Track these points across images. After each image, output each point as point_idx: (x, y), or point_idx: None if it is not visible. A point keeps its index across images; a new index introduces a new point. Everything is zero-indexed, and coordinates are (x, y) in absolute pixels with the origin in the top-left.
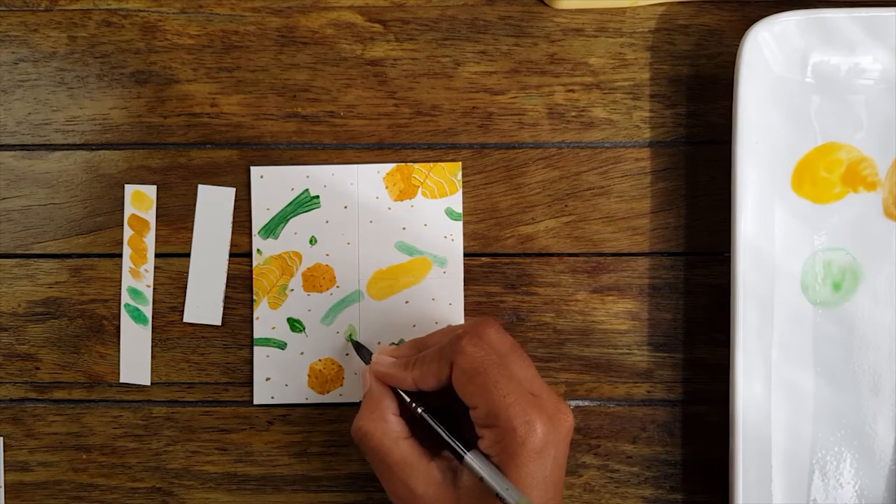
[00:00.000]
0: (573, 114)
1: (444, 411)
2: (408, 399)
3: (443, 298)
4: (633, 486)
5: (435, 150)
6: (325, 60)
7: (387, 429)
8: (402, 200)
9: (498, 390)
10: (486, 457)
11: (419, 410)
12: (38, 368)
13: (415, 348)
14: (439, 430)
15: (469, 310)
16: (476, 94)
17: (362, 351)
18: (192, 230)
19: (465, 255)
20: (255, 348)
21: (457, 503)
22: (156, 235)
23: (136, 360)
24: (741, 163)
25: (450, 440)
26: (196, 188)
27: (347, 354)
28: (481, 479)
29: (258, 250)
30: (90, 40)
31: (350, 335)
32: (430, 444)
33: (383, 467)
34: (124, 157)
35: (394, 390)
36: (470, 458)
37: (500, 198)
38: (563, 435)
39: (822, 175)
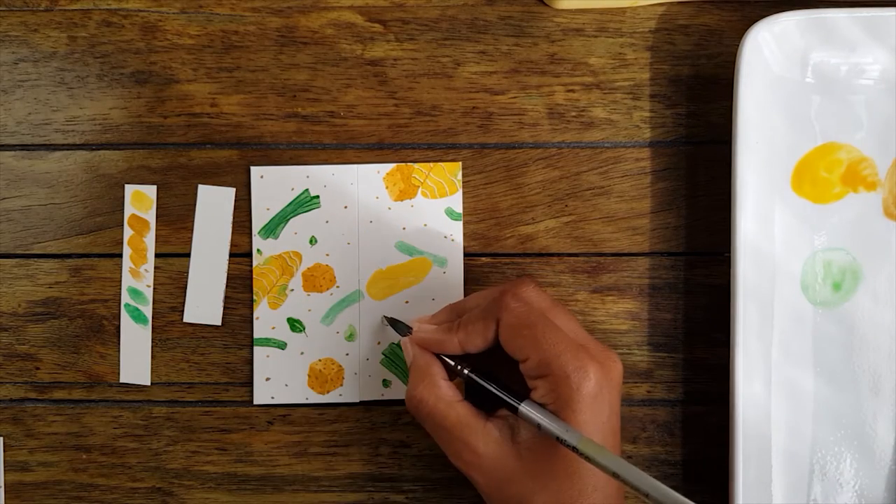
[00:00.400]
0: (573, 114)
1: (489, 374)
2: (453, 363)
3: (443, 298)
4: None
5: (435, 150)
6: (325, 60)
7: (440, 394)
8: (402, 200)
9: (547, 340)
10: (541, 406)
11: (466, 371)
12: (38, 368)
13: (453, 313)
14: (490, 386)
15: None
16: (476, 94)
17: (398, 325)
18: (192, 230)
19: (465, 255)
20: (255, 348)
21: (517, 457)
22: (156, 235)
23: (136, 360)
24: (741, 163)
25: (502, 394)
26: (196, 188)
27: (347, 354)
28: (539, 426)
29: (258, 250)
30: (90, 40)
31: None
32: (482, 406)
33: (442, 432)
34: (124, 157)
35: (438, 357)
36: (525, 407)
37: (500, 198)
38: (615, 381)
39: (822, 175)
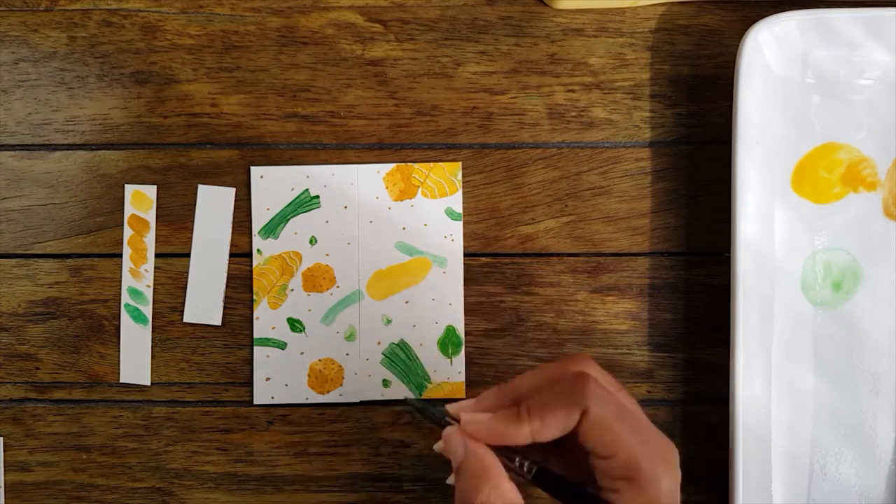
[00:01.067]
0: (573, 114)
1: (556, 474)
2: (517, 460)
3: (443, 298)
4: None
5: (435, 150)
6: (325, 60)
7: (507, 500)
8: (402, 200)
9: (635, 437)
10: None
11: (533, 470)
12: (38, 368)
13: (503, 398)
14: (566, 493)
15: (469, 310)
16: (476, 94)
17: (430, 410)
18: (192, 230)
19: (465, 255)
20: (255, 348)
21: None
22: (156, 235)
23: (136, 360)
24: (741, 163)
25: None
26: (196, 188)
27: (347, 354)
28: None
29: (258, 250)
30: (90, 40)
31: (406, 398)
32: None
33: None
34: (124, 157)
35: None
36: None
37: (500, 198)
38: (678, 468)
39: (822, 175)
